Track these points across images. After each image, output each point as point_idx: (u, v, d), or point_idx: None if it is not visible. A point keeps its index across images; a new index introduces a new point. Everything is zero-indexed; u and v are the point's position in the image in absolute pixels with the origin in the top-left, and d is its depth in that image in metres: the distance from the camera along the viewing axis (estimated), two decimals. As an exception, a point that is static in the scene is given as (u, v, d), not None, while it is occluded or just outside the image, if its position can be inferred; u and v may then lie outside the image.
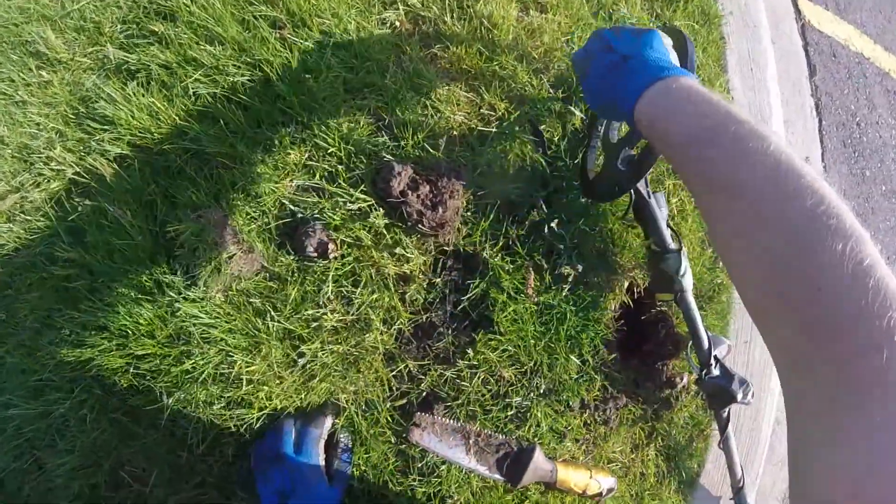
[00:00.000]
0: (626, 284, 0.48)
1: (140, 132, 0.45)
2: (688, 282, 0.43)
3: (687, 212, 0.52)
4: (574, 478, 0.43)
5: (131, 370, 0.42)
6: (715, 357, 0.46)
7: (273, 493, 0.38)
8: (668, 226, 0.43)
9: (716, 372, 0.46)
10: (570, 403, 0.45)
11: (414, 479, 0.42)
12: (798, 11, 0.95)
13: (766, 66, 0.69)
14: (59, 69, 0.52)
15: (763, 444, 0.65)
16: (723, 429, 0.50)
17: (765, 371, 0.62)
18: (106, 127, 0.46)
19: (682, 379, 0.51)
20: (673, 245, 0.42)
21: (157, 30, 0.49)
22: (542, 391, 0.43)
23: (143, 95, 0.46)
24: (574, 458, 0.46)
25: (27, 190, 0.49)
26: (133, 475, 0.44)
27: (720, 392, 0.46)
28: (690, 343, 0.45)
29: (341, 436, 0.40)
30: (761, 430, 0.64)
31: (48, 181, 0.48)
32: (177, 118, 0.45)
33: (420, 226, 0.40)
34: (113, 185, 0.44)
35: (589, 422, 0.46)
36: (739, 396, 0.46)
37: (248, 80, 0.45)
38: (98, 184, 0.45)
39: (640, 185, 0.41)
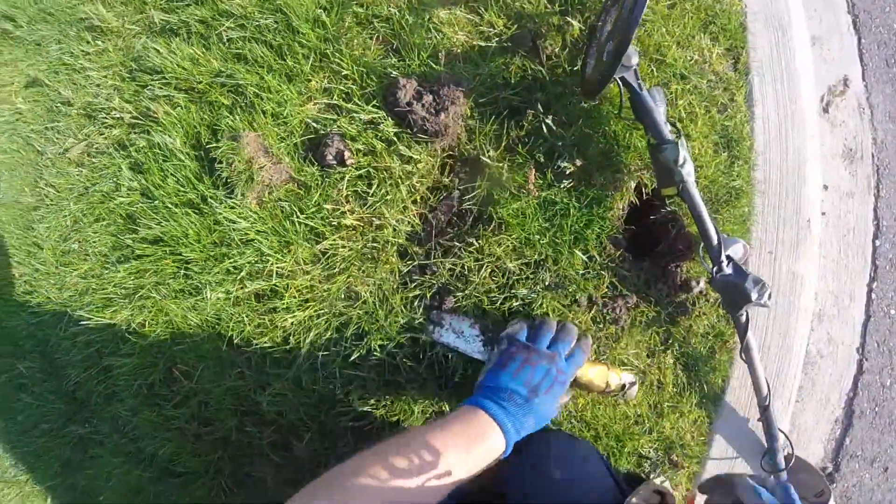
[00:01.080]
0: (634, 185, 0.54)
1: (184, 76, 0.60)
2: (688, 171, 0.46)
3: (696, 114, 0.58)
4: (591, 372, 0.47)
5: (181, 273, 0.55)
6: (728, 256, 0.49)
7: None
8: (668, 120, 0.49)
9: (728, 270, 0.49)
10: (578, 298, 0.52)
11: (423, 363, 0.51)
12: None
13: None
14: (112, 37, 0.69)
15: (794, 365, 0.67)
16: (742, 334, 0.52)
17: (793, 286, 0.65)
18: (156, 76, 0.62)
19: (698, 283, 0.55)
20: (670, 136, 0.47)
21: None
22: (547, 284, 0.51)
23: (186, 47, 0.61)
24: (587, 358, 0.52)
25: (93, 138, 0.66)
26: (183, 372, 0.57)
27: (732, 290, 0.48)
28: (703, 244, 0.49)
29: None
30: (792, 349, 0.66)
31: (110, 129, 0.65)
32: (214, 61, 0.59)
33: (425, 130, 0.51)
34: (164, 121, 0.59)
35: (598, 318, 0.53)
36: (754, 296, 0.47)
37: (272, 22, 0.58)
38: (152, 123, 0.60)
39: (631, 79, 0.47)
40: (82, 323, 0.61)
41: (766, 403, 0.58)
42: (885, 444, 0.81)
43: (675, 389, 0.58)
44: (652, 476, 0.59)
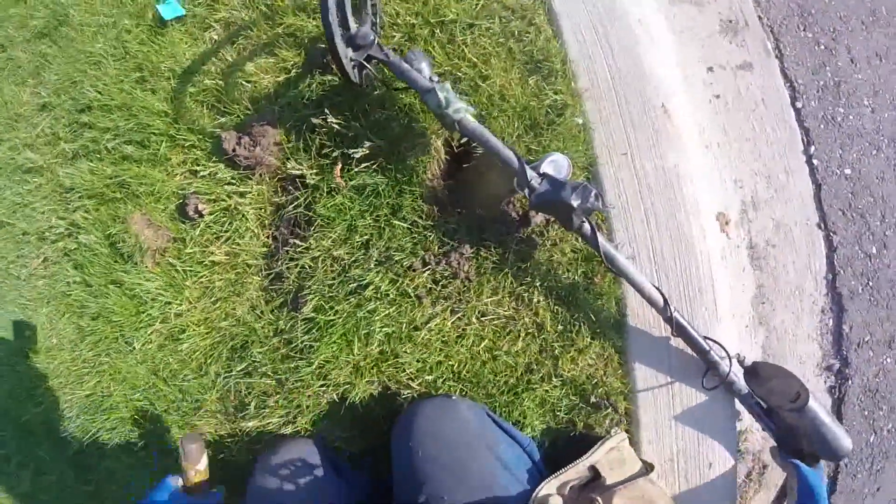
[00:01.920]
0: (441, 143, 0.69)
1: (89, 186, 0.90)
2: (456, 109, 0.55)
3: (489, 53, 0.71)
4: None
5: (119, 335, 0.82)
6: (542, 174, 0.59)
7: None
8: (433, 73, 0.61)
9: (542, 187, 0.56)
10: (412, 264, 0.67)
11: (291, 361, 0.70)
12: None
13: None
14: (44, 173, 1.03)
15: (703, 264, 0.69)
16: (594, 244, 0.58)
17: (668, 181, 0.71)
18: (73, 193, 0.92)
19: (537, 213, 0.66)
20: (428, 85, 0.57)
21: (84, 120, 0.96)
22: (377, 260, 0.67)
23: (87, 163, 0.91)
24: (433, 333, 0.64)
25: (48, 254, 0.99)
26: (143, 416, 0.82)
27: (554, 205, 0.55)
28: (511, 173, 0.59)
29: None
30: (693, 247, 0.70)
31: (55, 242, 0.97)
32: (106, 168, 0.88)
33: (248, 166, 0.72)
34: (84, 225, 0.89)
35: (437, 278, 0.67)
36: (576, 202, 0.54)
37: (134, 125, 0.86)
38: (79, 229, 0.90)
39: (376, 53, 0.62)
40: (70, 399, 0.91)
41: (669, 314, 0.60)
42: (898, 318, 0.79)
43: (560, 327, 0.67)
44: (612, 432, 0.62)
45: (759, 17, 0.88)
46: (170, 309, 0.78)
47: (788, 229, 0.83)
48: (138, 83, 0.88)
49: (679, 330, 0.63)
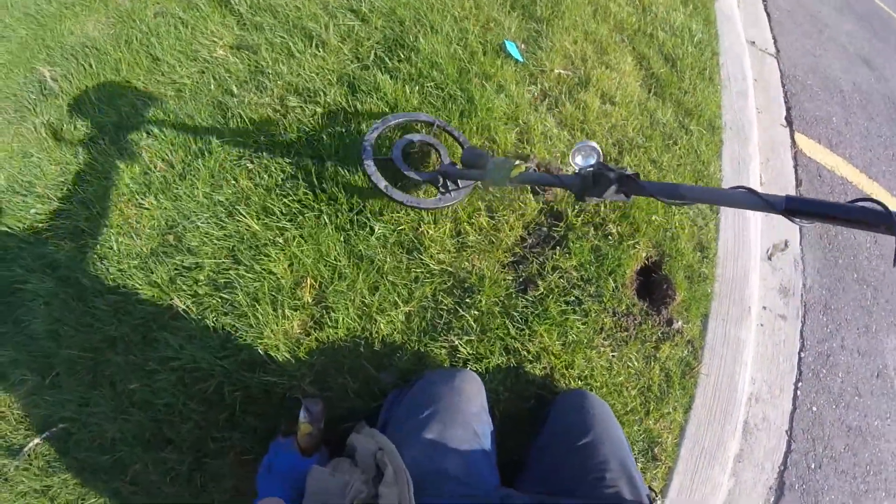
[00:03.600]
0: (643, 253, 1.20)
1: (391, 99, 1.23)
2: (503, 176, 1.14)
3: (684, 227, 1.29)
4: None
5: (355, 211, 1.05)
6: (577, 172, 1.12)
7: None
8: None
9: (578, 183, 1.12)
10: (607, 307, 1.09)
11: (503, 319, 1.01)
12: (794, 142, 2.00)
13: (749, 160, 1.64)
14: (330, 54, 1.35)
15: (739, 401, 1.23)
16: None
17: (737, 345, 1.28)
18: (372, 92, 1.24)
19: (677, 322, 1.16)
20: (480, 175, 1.15)
21: (402, 54, 1.35)
22: (591, 293, 1.08)
23: (397, 84, 1.26)
24: (604, 351, 1.06)
25: (294, 106, 1.22)
26: (311, 285, 1.00)
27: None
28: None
29: None
30: (737, 388, 1.24)
31: (317, 105, 1.23)
32: (413, 97, 1.24)
33: (535, 192, 1.15)
34: (373, 112, 1.19)
35: (616, 324, 1.09)
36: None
37: (460, 93, 1.27)
38: (362, 116, 1.19)
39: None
40: (236, 218, 1.03)
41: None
42: (814, 523, 1.31)
43: (658, 394, 1.10)
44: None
45: (802, 294, 1.63)
46: (420, 226, 1.06)
47: (769, 423, 1.40)
48: (476, 76, 1.32)
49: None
